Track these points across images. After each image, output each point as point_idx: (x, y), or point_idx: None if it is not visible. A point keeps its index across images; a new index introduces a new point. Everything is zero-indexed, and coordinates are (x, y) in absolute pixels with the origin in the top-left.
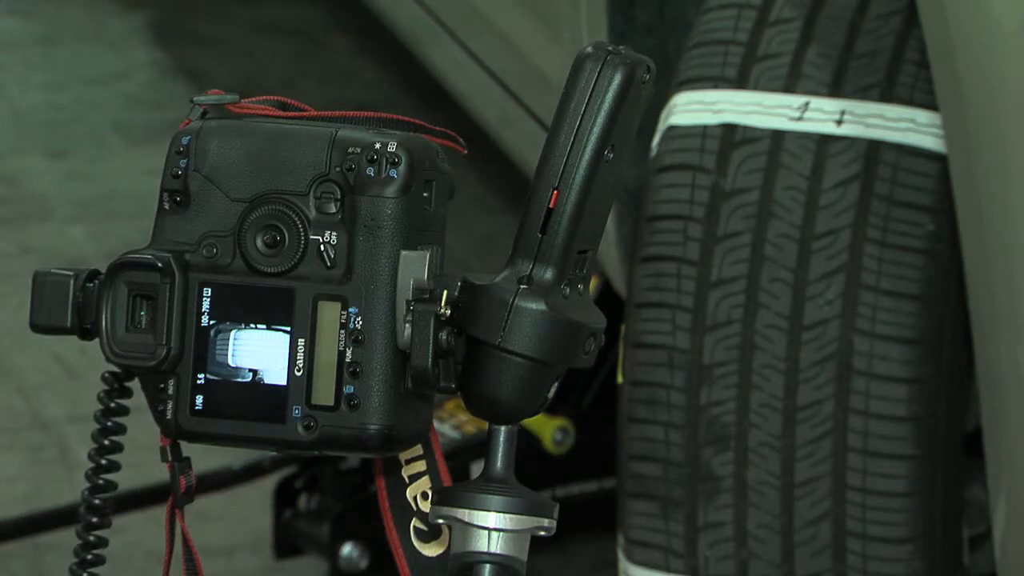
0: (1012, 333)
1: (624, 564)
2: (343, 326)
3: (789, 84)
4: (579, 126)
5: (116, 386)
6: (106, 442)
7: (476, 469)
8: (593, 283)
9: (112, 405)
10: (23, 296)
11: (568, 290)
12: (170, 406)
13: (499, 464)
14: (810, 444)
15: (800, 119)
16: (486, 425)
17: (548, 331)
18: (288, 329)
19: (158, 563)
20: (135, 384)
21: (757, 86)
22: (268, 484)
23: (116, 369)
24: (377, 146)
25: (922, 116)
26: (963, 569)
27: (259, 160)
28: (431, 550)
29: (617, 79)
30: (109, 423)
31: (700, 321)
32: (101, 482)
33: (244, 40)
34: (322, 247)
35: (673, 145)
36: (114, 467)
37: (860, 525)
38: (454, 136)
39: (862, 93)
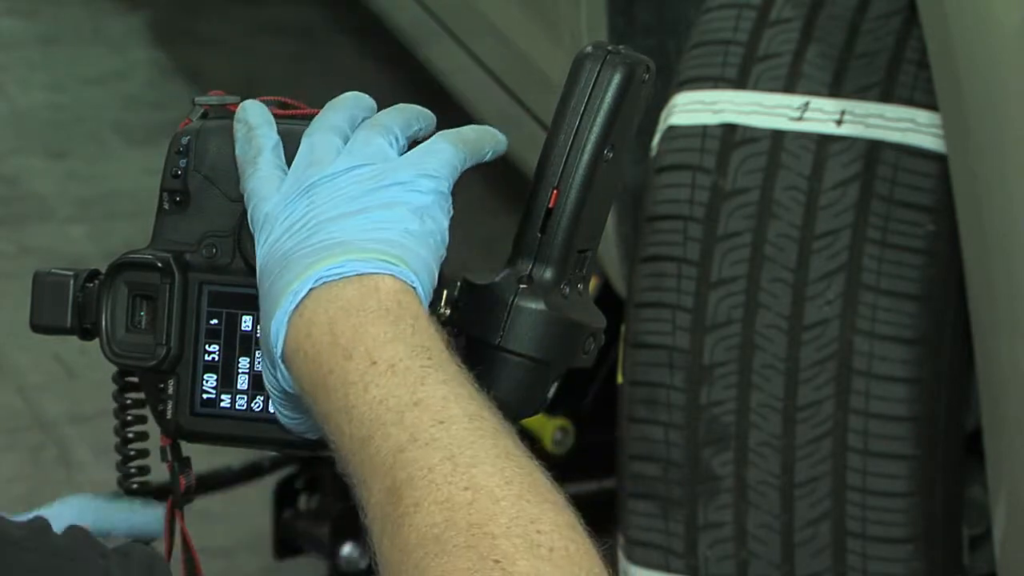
0: (1012, 333)
1: (624, 564)
2: None
3: (789, 84)
4: (579, 126)
5: (127, 386)
6: (130, 434)
7: None
8: (593, 283)
9: (127, 401)
10: (23, 296)
11: (568, 290)
12: (170, 406)
13: None
14: (810, 444)
15: (800, 119)
16: None
17: (548, 331)
18: None
19: None
20: None
21: (757, 86)
22: (268, 484)
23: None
24: None
25: (922, 116)
26: (963, 569)
27: None
28: None
29: (617, 79)
30: (128, 416)
31: (700, 321)
32: (133, 470)
33: (244, 40)
34: None
35: (673, 145)
36: (143, 454)
37: (860, 525)
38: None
39: (862, 93)
